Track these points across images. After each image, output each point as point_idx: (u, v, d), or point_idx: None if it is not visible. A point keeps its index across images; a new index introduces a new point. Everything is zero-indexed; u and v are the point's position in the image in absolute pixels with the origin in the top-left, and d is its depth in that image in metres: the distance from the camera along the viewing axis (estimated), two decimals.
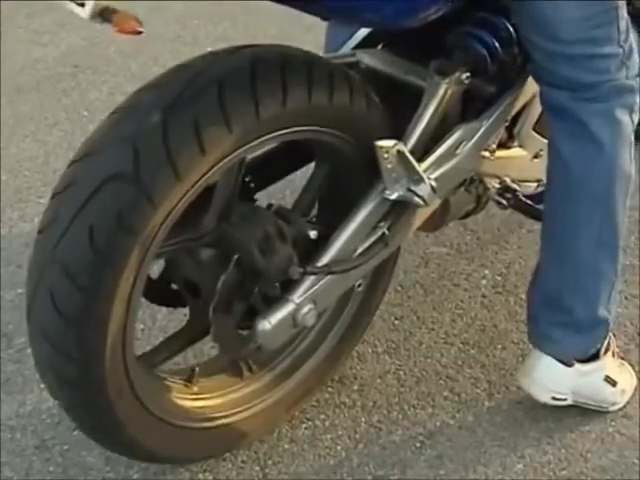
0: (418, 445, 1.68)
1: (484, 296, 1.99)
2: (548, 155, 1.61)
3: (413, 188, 1.49)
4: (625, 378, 1.75)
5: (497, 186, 1.76)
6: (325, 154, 1.54)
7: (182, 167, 1.28)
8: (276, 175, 1.64)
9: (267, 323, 1.46)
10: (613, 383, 1.71)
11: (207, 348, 1.73)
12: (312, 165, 1.60)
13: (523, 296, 1.99)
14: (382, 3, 1.37)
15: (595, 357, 1.69)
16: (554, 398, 1.69)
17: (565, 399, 1.70)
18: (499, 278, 2.04)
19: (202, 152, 1.29)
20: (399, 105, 1.56)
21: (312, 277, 1.49)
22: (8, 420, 1.69)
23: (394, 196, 1.50)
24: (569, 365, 1.67)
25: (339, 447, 1.67)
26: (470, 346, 1.87)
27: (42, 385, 1.72)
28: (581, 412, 1.74)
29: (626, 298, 1.93)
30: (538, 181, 1.80)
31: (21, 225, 2.13)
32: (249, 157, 1.46)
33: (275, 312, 1.48)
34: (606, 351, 1.71)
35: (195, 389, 1.56)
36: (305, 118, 1.40)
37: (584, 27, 1.45)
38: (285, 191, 2.01)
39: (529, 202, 1.81)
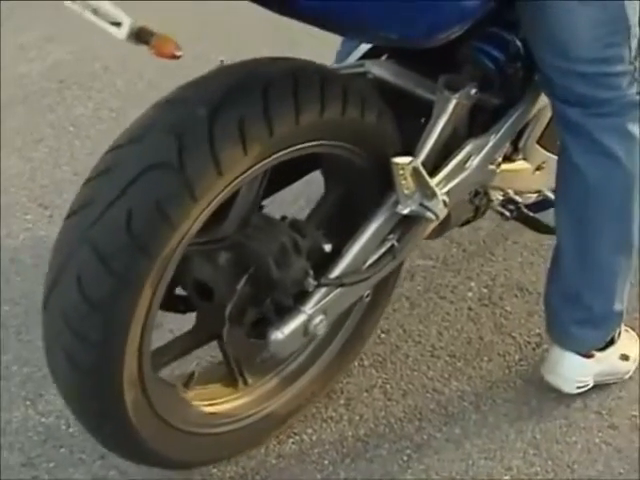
0: (405, 459, 1.68)
1: (470, 308, 2.00)
2: (562, 168, 1.63)
3: (426, 203, 1.52)
4: (634, 347, 1.85)
5: (500, 198, 1.79)
6: (337, 168, 1.56)
7: (224, 163, 1.29)
8: (283, 183, 1.65)
9: (280, 333, 1.48)
10: (626, 357, 1.82)
11: (206, 355, 1.74)
12: (318, 174, 1.63)
13: (509, 308, 2.01)
14: (404, 24, 1.38)
15: (611, 343, 1.77)
16: (579, 387, 1.77)
17: (588, 384, 1.79)
18: (485, 290, 2.05)
19: (244, 151, 1.31)
20: (405, 116, 1.58)
21: (324, 288, 1.51)
22: None
23: (407, 211, 1.52)
24: (589, 357, 1.74)
25: (326, 461, 1.67)
26: (456, 359, 1.88)
27: (28, 403, 1.73)
28: (567, 423, 1.75)
29: None
30: (538, 192, 1.84)
31: (7, 241, 2.12)
32: None
33: (288, 322, 1.49)
34: (619, 333, 1.78)
35: (191, 395, 1.56)
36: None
37: (597, 47, 1.48)
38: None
39: (531, 214, 1.85)
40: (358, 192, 1.58)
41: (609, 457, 1.70)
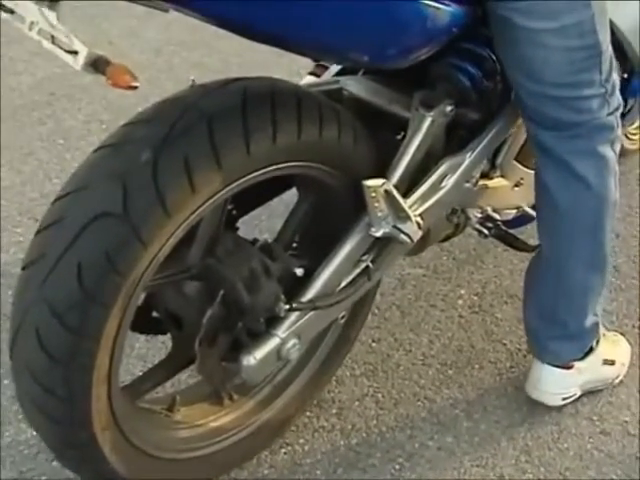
0: (397, 467, 1.68)
1: (461, 316, 2.01)
2: (535, 187, 1.63)
3: (399, 226, 1.49)
4: (621, 351, 1.85)
5: (478, 215, 1.77)
6: (309, 187, 1.53)
7: (172, 205, 1.26)
8: (257, 202, 1.63)
9: (252, 358, 1.46)
10: (612, 362, 1.81)
11: (185, 377, 1.73)
12: (291, 192, 1.60)
13: (499, 315, 2.01)
14: (375, 46, 1.35)
15: (590, 351, 1.77)
16: (564, 398, 1.78)
17: (574, 394, 1.79)
18: (475, 298, 2.05)
19: (192, 190, 1.27)
20: (381, 133, 1.56)
21: (297, 312, 1.49)
22: None
23: (379, 233, 1.49)
24: (569, 368, 1.75)
25: (318, 471, 1.67)
26: (448, 367, 1.88)
27: (20, 417, 1.72)
28: (559, 430, 1.76)
29: None
30: (517, 208, 1.82)
31: None
32: None
33: (260, 347, 1.47)
34: (597, 341, 1.78)
35: (177, 418, 1.55)
36: (295, 153, 1.39)
37: (568, 71, 1.47)
38: (261, 216, 2.03)
39: (509, 232, 1.83)
40: (331, 213, 1.54)
41: (601, 463, 1.70)
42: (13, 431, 1.70)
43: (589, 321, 1.71)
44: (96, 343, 1.29)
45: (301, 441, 1.72)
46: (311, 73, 1.77)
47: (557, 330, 1.71)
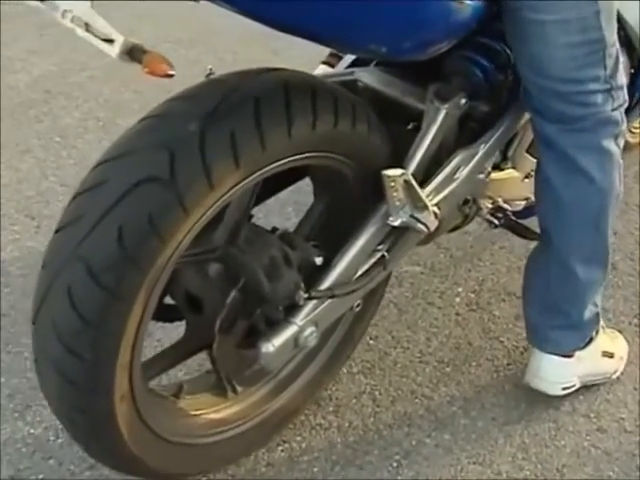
0: (395, 465, 1.68)
1: (458, 314, 2.01)
2: (537, 179, 1.65)
3: (417, 215, 1.52)
4: (619, 346, 1.87)
5: (489, 206, 1.79)
6: (327, 178, 1.56)
7: (216, 177, 1.29)
8: (271, 191, 1.65)
9: (271, 346, 1.47)
10: (611, 355, 1.83)
11: (195, 365, 1.74)
12: (305, 183, 1.62)
13: (497, 312, 2.01)
14: (395, 39, 1.37)
15: (590, 341, 1.78)
16: (564, 388, 1.78)
17: (574, 385, 1.79)
18: (472, 295, 2.05)
19: (236, 164, 1.30)
20: (395, 124, 1.58)
21: (315, 300, 1.51)
22: None
23: (397, 222, 1.51)
24: (570, 356, 1.75)
25: (316, 469, 1.67)
26: (445, 364, 1.88)
27: (17, 415, 1.72)
28: (556, 427, 1.76)
29: None
30: (526, 199, 1.85)
31: None
32: None
33: (278, 335, 1.48)
34: (597, 332, 1.79)
35: (181, 405, 1.56)
36: (329, 143, 1.43)
37: (572, 67, 1.49)
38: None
39: (519, 222, 1.85)
40: (348, 203, 1.57)
41: (598, 460, 1.70)
42: (10, 429, 1.70)
43: (590, 311, 1.72)
44: (129, 307, 1.30)
45: (298, 439, 1.72)
46: (325, 62, 1.79)
47: (559, 320, 1.71)
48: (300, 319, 1.50)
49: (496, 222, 1.82)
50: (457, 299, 2.04)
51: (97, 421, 1.39)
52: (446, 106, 1.55)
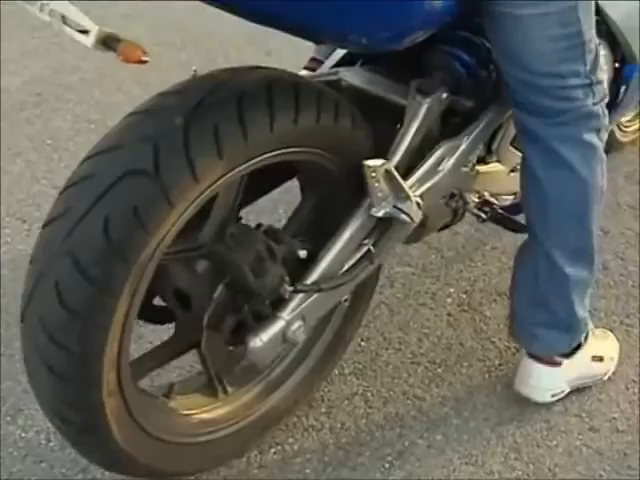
0: (387, 466, 1.68)
1: (449, 314, 2.01)
2: (522, 173, 1.65)
3: (399, 206, 1.53)
4: (609, 347, 1.87)
5: (476, 200, 1.80)
6: (312, 175, 1.58)
7: (200, 170, 1.31)
8: (259, 192, 1.66)
9: (258, 340, 1.48)
10: (600, 358, 1.82)
11: (187, 367, 1.75)
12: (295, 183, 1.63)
13: (488, 313, 2.02)
14: (371, 28, 1.38)
15: (578, 347, 1.78)
16: (553, 395, 1.78)
17: (562, 391, 1.79)
18: (464, 296, 2.06)
19: (219, 157, 1.33)
20: (379, 121, 1.59)
21: (301, 294, 1.52)
22: None
23: (381, 213, 1.53)
24: (558, 364, 1.76)
25: (308, 470, 1.67)
26: (437, 365, 1.89)
27: (8, 419, 1.72)
28: (548, 427, 1.76)
29: None
30: (514, 194, 1.85)
31: None
32: None
33: (266, 329, 1.50)
34: (586, 338, 1.79)
35: (172, 405, 1.56)
36: (310, 138, 1.45)
37: (552, 61, 1.50)
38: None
39: (507, 215, 1.86)
40: (333, 198, 1.59)
41: (590, 460, 1.70)
42: (2, 432, 1.70)
43: (577, 314, 1.72)
44: (116, 300, 1.31)
45: (290, 440, 1.72)
46: (306, 68, 1.81)
47: (545, 317, 1.71)
48: (287, 313, 1.51)
49: (483, 216, 1.82)
50: (449, 300, 2.05)
51: (86, 416, 1.40)
52: (428, 100, 1.57)
